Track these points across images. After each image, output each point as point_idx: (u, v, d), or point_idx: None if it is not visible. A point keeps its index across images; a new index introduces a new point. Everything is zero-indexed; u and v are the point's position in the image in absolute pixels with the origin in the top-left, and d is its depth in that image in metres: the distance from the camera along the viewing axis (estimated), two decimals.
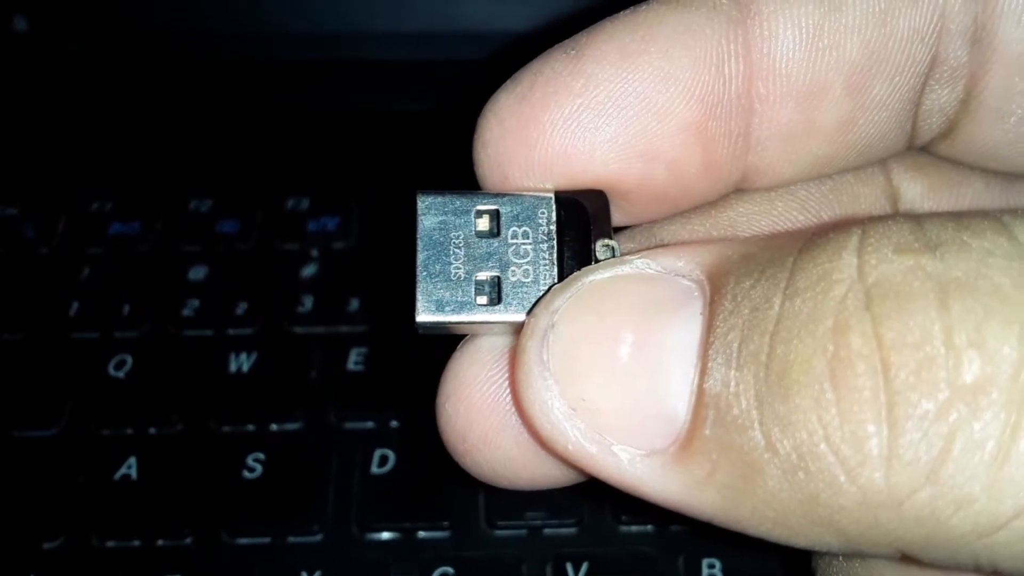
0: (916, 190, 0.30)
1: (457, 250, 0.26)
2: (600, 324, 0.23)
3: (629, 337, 0.22)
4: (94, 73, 0.59)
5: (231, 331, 0.48)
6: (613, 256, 0.26)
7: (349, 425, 0.45)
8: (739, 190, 0.29)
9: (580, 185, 0.26)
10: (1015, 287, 0.19)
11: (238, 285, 0.50)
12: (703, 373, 0.21)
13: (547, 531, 0.42)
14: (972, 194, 0.30)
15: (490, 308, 0.25)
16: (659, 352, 0.22)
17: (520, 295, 0.25)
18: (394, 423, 0.45)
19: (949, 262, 0.19)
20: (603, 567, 0.41)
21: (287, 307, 0.49)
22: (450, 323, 0.26)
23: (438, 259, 0.25)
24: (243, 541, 0.42)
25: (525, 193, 0.26)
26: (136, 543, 0.42)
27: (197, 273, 0.50)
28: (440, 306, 0.25)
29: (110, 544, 0.42)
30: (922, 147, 0.29)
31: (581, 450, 0.23)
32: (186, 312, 0.49)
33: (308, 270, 0.50)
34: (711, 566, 0.41)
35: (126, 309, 0.49)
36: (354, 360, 0.47)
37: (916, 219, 0.21)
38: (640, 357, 0.22)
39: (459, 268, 0.25)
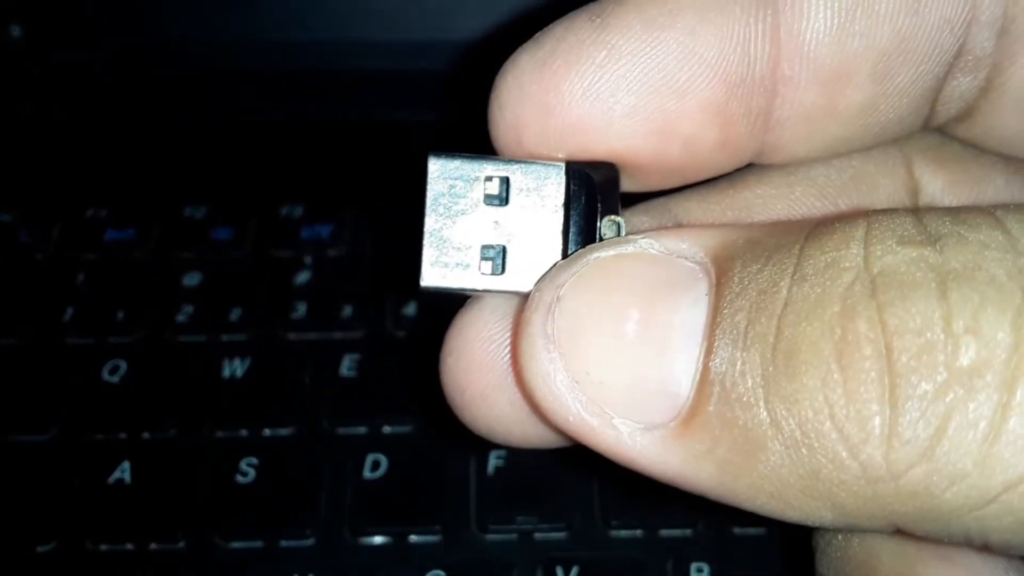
0: (937, 184, 0.30)
1: (465, 215, 0.25)
2: (606, 301, 0.23)
3: (635, 315, 0.23)
4: (89, 81, 0.59)
5: (225, 337, 0.49)
6: (619, 233, 0.26)
7: (342, 430, 0.46)
8: (751, 164, 0.29)
9: (593, 156, 0.26)
10: (1009, 277, 0.20)
11: (232, 291, 0.50)
12: (709, 352, 0.22)
13: (538, 535, 0.43)
14: (993, 190, 0.30)
15: (493, 276, 0.25)
16: (665, 330, 0.23)
17: (524, 266, 0.25)
18: (386, 428, 0.46)
19: (948, 254, 0.20)
20: (593, 571, 0.42)
21: (281, 313, 0.49)
22: (453, 288, 0.26)
23: (445, 224, 0.25)
24: (236, 545, 0.42)
25: (536, 161, 0.26)
26: (129, 547, 0.42)
27: (191, 279, 0.51)
28: (445, 272, 0.25)
29: (103, 548, 0.42)
30: (937, 128, 0.29)
31: (582, 422, 0.23)
32: (180, 318, 0.49)
33: (301, 277, 0.51)
34: (699, 570, 0.42)
35: (120, 315, 0.49)
36: (347, 366, 0.47)
37: (916, 213, 0.21)
38: (646, 335, 0.23)
39: (466, 234, 0.25)
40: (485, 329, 0.27)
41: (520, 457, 0.44)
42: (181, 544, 0.42)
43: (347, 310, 0.49)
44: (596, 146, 0.26)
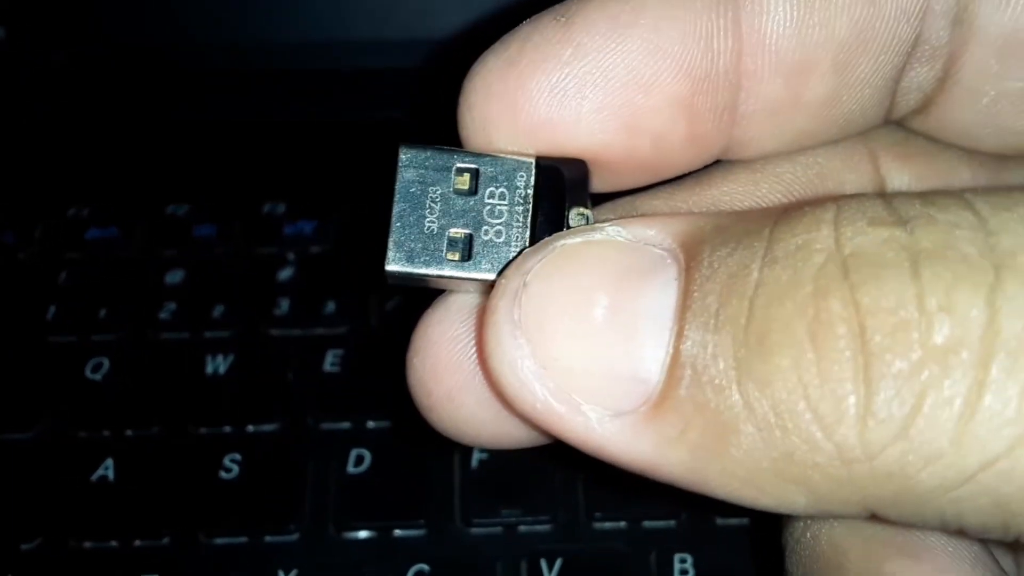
0: (903, 179, 0.30)
1: (433, 204, 0.26)
2: (574, 286, 0.23)
3: (604, 300, 0.23)
4: (72, 80, 0.59)
5: (208, 334, 0.49)
6: (587, 224, 0.26)
7: (325, 426, 0.46)
8: (719, 160, 0.29)
9: (564, 153, 0.26)
10: (981, 255, 0.20)
11: (215, 288, 0.50)
12: (679, 336, 0.22)
13: (522, 528, 0.43)
14: (959, 183, 0.30)
15: (459, 264, 0.26)
16: (633, 316, 0.22)
17: (490, 255, 0.26)
18: (370, 423, 0.46)
19: (919, 234, 0.20)
20: (577, 564, 0.42)
21: (264, 310, 0.49)
22: (418, 275, 0.26)
23: (413, 211, 0.26)
24: (220, 541, 0.43)
25: (506, 155, 0.26)
26: (113, 544, 0.42)
27: (174, 277, 0.51)
28: (410, 257, 0.26)
29: (88, 545, 0.42)
30: (897, 121, 0.30)
31: (550, 409, 0.23)
32: (163, 315, 0.49)
33: (285, 273, 0.51)
34: (683, 561, 0.42)
35: (103, 313, 0.49)
36: (330, 362, 0.48)
37: (885, 196, 0.22)
38: (615, 320, 0.22)
39: (433, 222, 0.26)
40: (451, 329, 0.27)
41: (503, 451, 0.44)
42: (165, 541, 0.43)
43: (330, 306, 0.49)
44: (566, 143, 0.26)
